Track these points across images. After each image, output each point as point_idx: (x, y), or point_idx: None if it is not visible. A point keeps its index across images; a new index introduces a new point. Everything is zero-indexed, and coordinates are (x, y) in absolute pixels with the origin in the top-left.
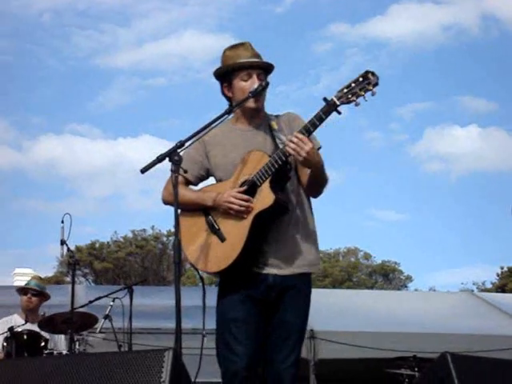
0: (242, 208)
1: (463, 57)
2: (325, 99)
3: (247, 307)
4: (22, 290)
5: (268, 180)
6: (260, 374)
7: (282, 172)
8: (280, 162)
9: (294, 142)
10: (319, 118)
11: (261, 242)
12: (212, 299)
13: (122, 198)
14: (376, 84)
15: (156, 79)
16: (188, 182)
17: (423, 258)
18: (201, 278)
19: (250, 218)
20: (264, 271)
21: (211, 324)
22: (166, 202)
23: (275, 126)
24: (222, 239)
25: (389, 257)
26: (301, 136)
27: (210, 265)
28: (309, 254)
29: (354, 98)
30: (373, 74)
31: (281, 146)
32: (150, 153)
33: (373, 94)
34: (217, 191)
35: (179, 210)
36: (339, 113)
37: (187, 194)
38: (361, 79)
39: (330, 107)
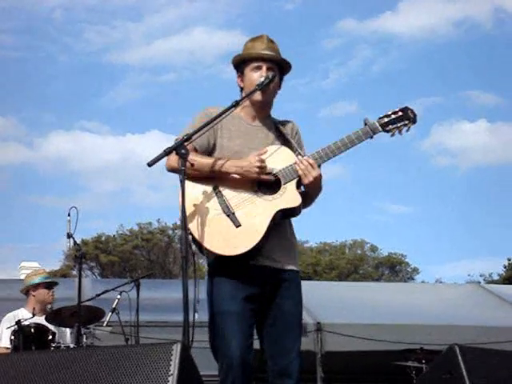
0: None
1: (473, 52)
2: (366, 122)
3: (242, 301)
4: (44, 284)
5: (295, 181)
6: (253, 365)
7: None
8: None
9: (304, 165)
10: (358, 138)
11: (268, 237)
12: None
13: (130, 193)
14: (414, 122)
15: (166, 75)
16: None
17: (430, 250)
18: (193, 254)
19: (273, 211)
20: (259, 263)
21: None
22: (170, 169)
23: (284, 131)
24: (237, 225)
25: (395, 249)
26: (312, 161)
27: (217, 245)
28: (295, 256)
29: (394, 131)
30: (412, 111)
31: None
32: (159, 148)
33: (407, 131)
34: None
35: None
36: (372, 137)
37: (203, 158)
38: (400, 113)
39: (372, 131)
